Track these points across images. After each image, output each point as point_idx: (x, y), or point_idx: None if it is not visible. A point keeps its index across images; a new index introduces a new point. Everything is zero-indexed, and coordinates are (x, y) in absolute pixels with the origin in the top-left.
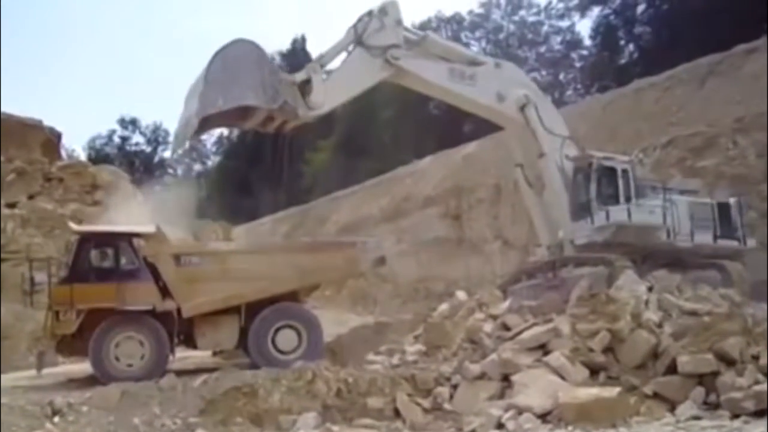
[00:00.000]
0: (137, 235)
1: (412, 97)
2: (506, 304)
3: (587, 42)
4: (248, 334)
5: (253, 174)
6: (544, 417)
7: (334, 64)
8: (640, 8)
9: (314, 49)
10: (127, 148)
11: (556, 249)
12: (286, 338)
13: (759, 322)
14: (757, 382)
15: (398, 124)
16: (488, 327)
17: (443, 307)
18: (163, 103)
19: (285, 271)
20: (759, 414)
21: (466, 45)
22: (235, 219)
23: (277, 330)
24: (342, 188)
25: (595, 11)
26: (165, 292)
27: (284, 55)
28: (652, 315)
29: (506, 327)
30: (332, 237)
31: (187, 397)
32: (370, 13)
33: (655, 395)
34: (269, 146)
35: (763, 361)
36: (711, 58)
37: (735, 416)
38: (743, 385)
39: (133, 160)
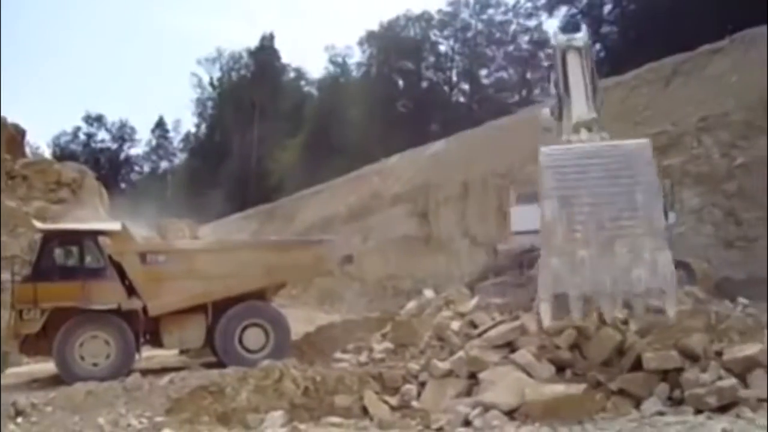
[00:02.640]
0: (102, 233)
1: (379, 96)
2: (474, 301)
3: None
4: (215, 332)
5: (221, 172)
6: (511, 414)
7: None
8: (607, 8)
9: (283, 47)
10: (93, 145)
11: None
12: (254, 337)
13: (722, 319)
14: (720, 378)
15: (366, 122)
16: (456, 325)
17: (411, 305)
18: (130, 100)
19: (252, 269)
20: (722, 409)
21: (435, 43)
22: (202, 217)
23: (244, 328)
24: (310, 186)
25: (563, 11)
26: (131, 290)
27: (252, 53)
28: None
29: (473, 325)
30: (299, 235)
31: (153, 396)
32: None
33: (621, 391)
34: (237, 144)
35: (725, 357)
36: (676, 58)
37: (698, 411)
38: (707, 381)
39: (98, 157)
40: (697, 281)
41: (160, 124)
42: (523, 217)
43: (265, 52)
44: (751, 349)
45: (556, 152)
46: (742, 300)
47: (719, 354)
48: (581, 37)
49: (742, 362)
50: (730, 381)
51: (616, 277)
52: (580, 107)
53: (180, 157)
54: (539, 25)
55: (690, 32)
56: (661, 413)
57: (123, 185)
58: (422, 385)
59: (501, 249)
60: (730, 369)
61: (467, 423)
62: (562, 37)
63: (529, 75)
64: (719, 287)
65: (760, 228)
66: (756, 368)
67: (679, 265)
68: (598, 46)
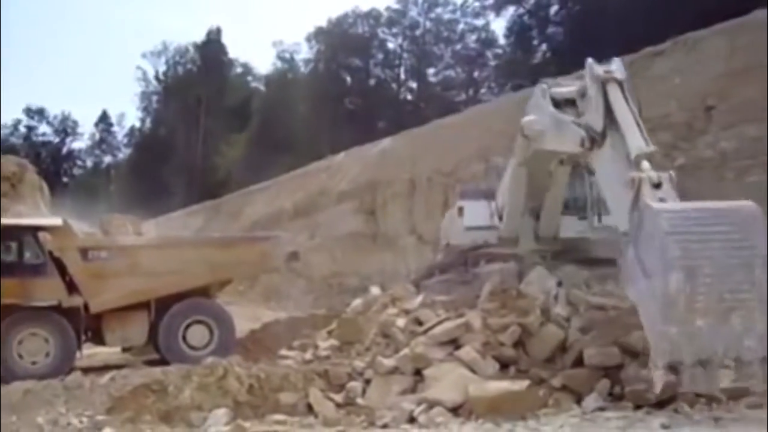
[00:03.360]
0: (42, 228)
1: (327, 92)
2: (419, 299)
3: (502, 41)
4: (158, 329)
5: (166, 167)
6: (455, 410)
7: None
8: (553, 9)
9: (230, 42)
10: (34, 138)
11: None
12: (197, 334)
13: None
14: None
15: (313, 118)
16: (401, 322)
17: (357, 302)
18: (72, 92)
19: (196, 265)
20: (660, 405)
21: (383, 41)
22: (146, 212)
23: (188, 326)
24: (256, 182)
25: (510, 11)
26: (72, 287)
27: (199, 47)
28: (560, 310)
29: (419, 322)
30: (246, 231)
31: (94, 394)
32: None
33: (563, 387)
34: (182, 139)
35: None
36: (620, 60)
37: (638, 407)
38: (646, 377)
39: (39, 151)
40: None
41: (103, 118)
42: (474, 212)
43: (212, 46)
44: None
45: (676, 217)
46: None
47: None
48: (619, 68)
49: None
50: (670, 377)
51: (729, 346)
52: (636, 140)
53: (124, 152)
54: (486, 25)
55: (633, 34)
56: (601, 409)
57: (65, 180)
58: (367, 382)
59: (453, 244)
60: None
61: (412, 419)
62: (599, 68)
63: (476, 74)
64: None
65: None
66: None
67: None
68: (544, 46)
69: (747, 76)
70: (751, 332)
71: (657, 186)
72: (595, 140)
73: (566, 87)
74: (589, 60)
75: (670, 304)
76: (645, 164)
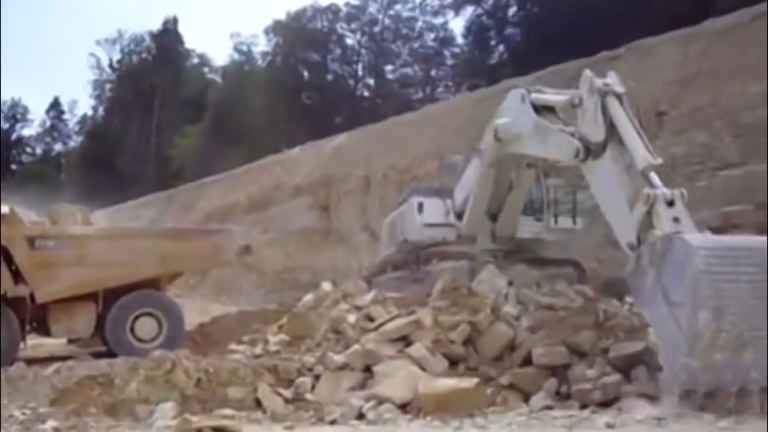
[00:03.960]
0: None
1: (284, 86)
2: (371, 295)
3: (460, 40)
4: (106, 321)
5: (118, 157)
6: (404, 407)
7: None
8: (512, 10)
9: (187, 32)
10: None
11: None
12: (146, 326)
13: (610, 317)
14: (605, 374)
15: (270, 112)
16: (352, 318)
17: (308, 297)
18: (23, 78)
19: (146, 257)
20: (605, 404)
21: (342, 36)
22: (97, 202)
23: (137, 318)
24: (210, 175)
25: (469, 10)
26: (18, 276)
27: (155, 36)
28: (510, 308)
29: (370, 318)
30: (198, 224)
31: (38, 386)
32: None
33: (511, 386)
34: (136, 129)
35: (611, 355)
36: (576, 63)
37: (584, 406)
38: (593, 377)
39: None
40: (587, 280)
41: (55, 105)
42: (432, 209)
43: (168, 36)
44: (634, 347)
45: (711, 255)
46: (629, 299)
47: (605, 351)
48: (617, 81)
49: (625, 360)
50: (615, 377)
51: (737, 377)
52: (642, 152)
53: (75, 140)
54: (445, 24)
55: (589, 38)
56: (548, 407)
57: (13, 167)
58: (317, 377)
59: (411, 240)
60: (615, 365)
61: (361, 416)
62: (599, 81)
63: (433, 72)
64: (608, 286)
65: None
66: (639, 364)
67: (570, 263)
68: (501, 47)
69: (698, 83)
70: (759, 365)
71: (670, 204)
72: (590, 151)
73: (545, 94)
74: (587, 72)
75: (695, 339)
76: (656, 179)
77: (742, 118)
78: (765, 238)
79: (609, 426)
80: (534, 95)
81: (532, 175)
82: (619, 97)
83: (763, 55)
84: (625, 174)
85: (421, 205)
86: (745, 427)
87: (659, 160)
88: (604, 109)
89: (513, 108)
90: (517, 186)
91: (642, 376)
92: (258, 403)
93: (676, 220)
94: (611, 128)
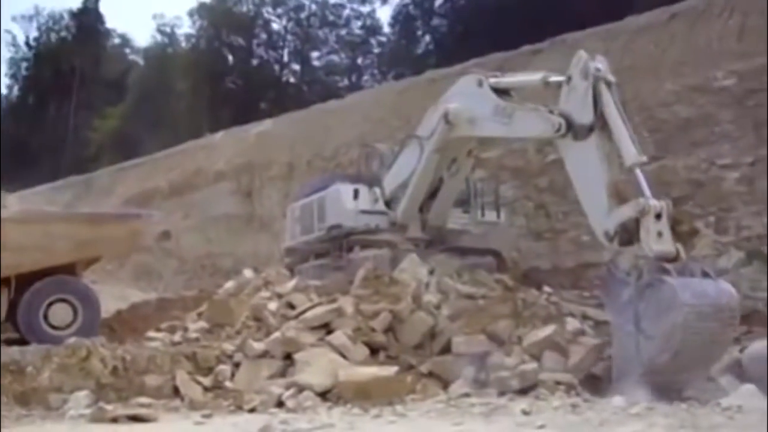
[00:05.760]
0: None
1: (208, 70)
2: (292, 283)
3: (386, 29)
4: (18, 307)
5: (33, 138)
6: (324, 395)
7: None
8: (438, 1)
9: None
10: None
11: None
12: (60, 313)
13: (528, 306)
14: (522, 362)
15: (192, 96)
16: (273, 305)
17: (229, 284)
18: None
19: (61, 242)
20: (523, 391)
21: (268, 21)
22: (10, 186)
23: (50, 304)
24: (130, 158)
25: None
26: None
27: (74, 14)
28: (431, 297)
29: (291, 306)
30: (116, 208)
31: None
32: None
33: (431, 374)
34: (53, 109)
35: (525, 343)
36: (501, 56)
37: (502, 394)
38: (510, 365)
39: None
40: (507, 270)
41: None
42: (365, 197)
43: (89, 14)
44: (545, 331)
45: (692, 312)
46: (547, 288)
47: (523, 339)
48: (607, 69)
49: (538, 345)
50: (532, 365)
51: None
52: (630, 148)
53: None
54: (372, 12)
55: (513, 31)
56: (467, 395)
57: None
58: (236, 365)
59: (347, 226)
60: (531, 353)
61: (280, 404)
62: (593, 65)
63: (359, 60)
64: (527, 276)
65: (567, 221)
66: (549, 349)
67: (490, 253)
68: (428, 37)
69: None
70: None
71: (658, 216)
72: (571, 128)
73: (509, 77)
74: (582, 53)
75: (654, 372)
76: (640, 177)
77: (658, 113)
78: (732, 291)
79: (525, 413)
80: (494, 79)
81: (471, 164)
82: (609, 85)
83: (681, 53)
84: (605, 162)
85: (356, 192)
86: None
87: (645, 158)
88: (596, 95)
89: (466, 93)
90: (454, 174)
91: (552, 362)
92: (176, 392)
93: (659, 234)
94: (600, 115)
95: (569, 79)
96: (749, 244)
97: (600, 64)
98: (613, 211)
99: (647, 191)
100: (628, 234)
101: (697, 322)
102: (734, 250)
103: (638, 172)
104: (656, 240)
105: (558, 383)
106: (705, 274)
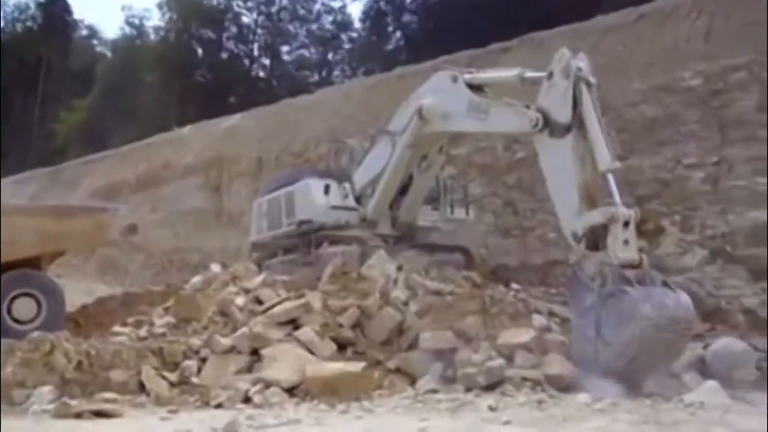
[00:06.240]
0: None
1: (177, 63)
2: (260, 278)
3: (357, 25)
4: None
5: None
6: (291, 391)
7: None
8: None
9: (75, 2)
10: None
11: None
12: (24, 307)
13: (495, 303)
14: (490, 359)
15: (161, 89)
16: (240, 301)
17: (196, 279)
18: None
19: (25, 235)
20: (489, 388)
21: (238, 14)
22: None
23: (14, 298)
24: (97, 151)
25: None
26: None
27: (41, 4)
28: (399, 293)
29: (259, 301)
30: (81, 201)
31: None
32: None
33: (398, 370)
34: (19, 101)
35: (499, 341)
36: (470, 53)
37: (468, 390)
38: (478, 361)
39: None
40: (475, 266)
41: None
42: (335, 192)
43: (56, 5)
44: (521, 336)
45: (650, 323)
46: (514, 285)
47: (490, 336)
48: (588, 69)
49: (511, 347)
50: (499, 361)
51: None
52: (605, 153)
53: None
54: (343, 7)
55: (483, 29)
56: (434, 391)
57: None
58: (203, 360)
59: (317, 221)
60: (502, 352)
61: (247, 399)
62: (574, 63)
63: (330, 56)
64: (495, 273)
65: (535, 219)
66: (521, 349)
67: (459, 250)
68: (398, 33)
69: None
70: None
71: (626, 224)
72: (548, 124)
73: (486, 72)
74: (565, 50)
75: (610, 374)
76: (612, 184)
77: (625, 113)
78: (689, 303)
79: (491, 409)
80: (468, 75)
81: (442, 160)
82: (589, 86)
83: (648, 53)
84: (579, 164)
85: (328, 187)
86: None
87: (618, 164)
88: (576, 95)
89: (440, 88)
90: (425, 171)
91: (523, 360)
92: (142, 387)
93: (626, 242)
94: (579, 117)
95: (551, 75)
96: (713, 242)
97: (582, 62)
98: (583, 214)
99: (617, 198)
100: (595, 238)
101: (654, 333)
102: (698, 248)
103: (610, 177)
104: (622, 248)
105: (525, 379)
106: (665, 284)
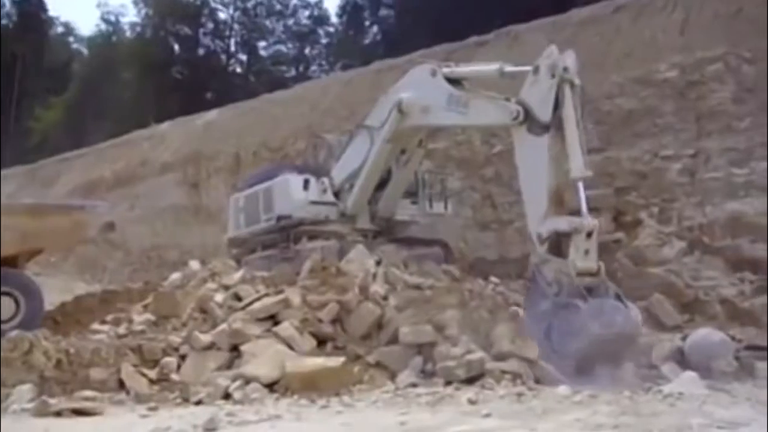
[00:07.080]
0: None
1: (154, 59)
2: (239, 274)
3: (334, 19)
4: None
5: None
6: (271, 386)
7: None
8: None
9: None
10: None
11: None
12: (2, 306)
13: (475, 296)
14: (469, 352)
15: (138, 85)
16: (220, 297)
17: (175, 276)
18: None
19: (2, 233)
20: (469, 381)
21: (214, 10)
22: None
23: None
24: (74, 149)
25: None
26: None
27: (16, 2)
28: (378, 288)
29: (238, 297)
30: (61, 200)
31: None
32: None
33: (378, 364)
34: None
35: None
36: (447, 47)
37: (448, 383)
38: (457, 355)
39: None
40: (454, 260)
41: None
42: (314, 188)
43: (31, 2)
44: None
45: (598, 337)
46: (493, 279)
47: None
48: (575, 70)
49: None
50: (478, 354)
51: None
52: (578, 161)
53: None
54: (320, 2)
55: (460, 23)
56: (414, 385)
57: None
58: (183, 357)
59: (296, 217)
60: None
61: (227, 396)
62: (561, 62)
63: (307, 51)
64: (474, 266)
65: (513, 212)
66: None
67: (438, 244)
68: (375, 28)
69: None
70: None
71: (589, 235)
72: (528, 118)
73: (465, 67)
74: (554, 48)
75: (561, 374)
76: (581, 191)
77: (602, 105)
78: (638, 319)
79: (471, 402)
80: (447, 69)
81: (421, 155)
82: (573, 88)
83: (625, 46)
84: (553, 166)
85: (306, 182)
86: (595, 401)
87: (590, 173)
88: (558, 96)
89: (419, 82)
90: (404, 165)
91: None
92: (121, 385)
93: (587, 251)
94: (558, 118)
95: (536, 69)
96: (691, 234)
97: (570, 61)
98: (550, 218)
99: (584, 207)
100: (558, 242)
101: (600, 346)
102: (676, 240)
103: (580, 185)
104: (582, 257)
105: (504, 372)
106: (618, 298)
